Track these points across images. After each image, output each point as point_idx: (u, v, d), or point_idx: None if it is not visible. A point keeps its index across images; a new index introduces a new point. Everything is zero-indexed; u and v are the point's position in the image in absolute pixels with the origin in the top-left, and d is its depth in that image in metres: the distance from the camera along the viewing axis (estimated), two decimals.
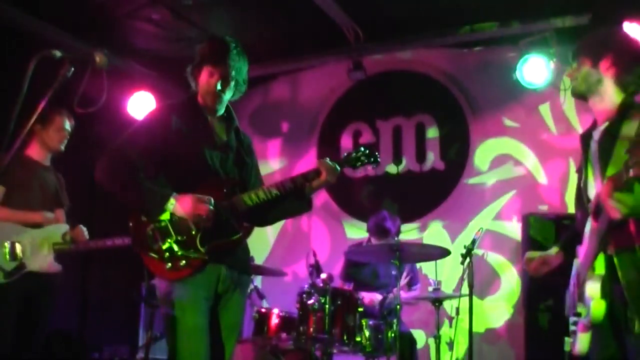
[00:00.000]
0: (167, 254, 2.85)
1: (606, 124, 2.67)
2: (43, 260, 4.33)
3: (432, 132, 6.48)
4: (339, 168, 3.00)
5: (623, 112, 2.59)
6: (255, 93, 7.22)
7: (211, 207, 2.83)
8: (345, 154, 3.10)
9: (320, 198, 6.74)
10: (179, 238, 2.85)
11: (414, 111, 6.57)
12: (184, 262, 2.85)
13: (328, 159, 3.01)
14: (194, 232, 2.85)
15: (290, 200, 3.05)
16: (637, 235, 2.43)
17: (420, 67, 6.61)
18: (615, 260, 2.52)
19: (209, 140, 3.00)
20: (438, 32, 6.10)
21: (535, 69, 5.63)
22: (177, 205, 2.83)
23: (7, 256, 4.18)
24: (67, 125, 4.51)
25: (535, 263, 2.99)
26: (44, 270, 4.33)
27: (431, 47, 6.45)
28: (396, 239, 5.25)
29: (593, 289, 2.54)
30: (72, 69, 2.43)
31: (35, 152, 4.47)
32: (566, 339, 2.79)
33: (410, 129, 6.57)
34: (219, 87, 2.96)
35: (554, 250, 2.99)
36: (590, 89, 2.72)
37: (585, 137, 2.80)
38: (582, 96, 2.77)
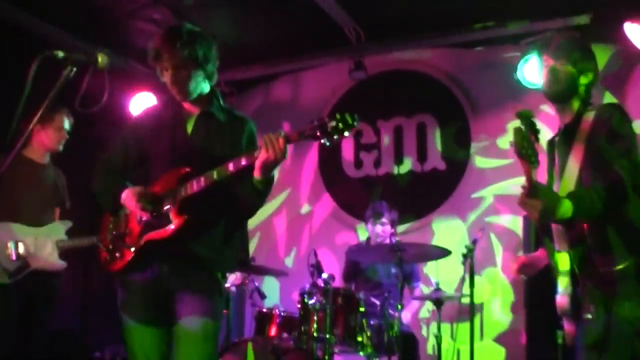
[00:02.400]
0: (110, 245, 2.92)
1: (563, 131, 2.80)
2: (47, 258, 4.34)
3: (434, 132, 6.48)
4: (281, 140, 2.58)
5: (578, 117, 2.72)
6: (256, 93, 7.23)
7: (140, 200, 2.77)
8: (310, 125, 2.58)
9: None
10: (126, 231, 2.90)
11: (415, 111, 6.57)
12: (118, 254, 2.89)
13: (281, 132, 2.62)
14: (137, 225, 2.86)
15: (243, 184, 2.75)
16: (588, 231, 2.56)
17: (422, 67, 6.61)
18: (570, 254, 2.62)
19: (175, 132, 2.93)
20: (439, 31, 6.09)
21: (536, 69, 5.62)
22: (124, 200, 2.87)
23: (11, 256, 4.20)
24: (67, 124, 4.50)
25: (518, 265, 3.02)
26: (48, 268, 4.34)
27: (432, 47, 6.44)
28: (393, 230, 5.28)
29: (561, 283, 2.65)
30: (74, 69, 2.44)
31: (33, 151, 4.46)
32: (558, 332, 2.87)
33: (411, 128, 6.57)
34: (171, 79, 2.88)
35: (540, 251, 3.03)
36: (567, 96, 2.78)
37: (551, 143, 2.90)
38: (556, 98, 2.82)
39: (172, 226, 2.77)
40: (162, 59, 2.88)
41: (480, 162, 6.24)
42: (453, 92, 6.44)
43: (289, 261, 6.80)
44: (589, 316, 2.53)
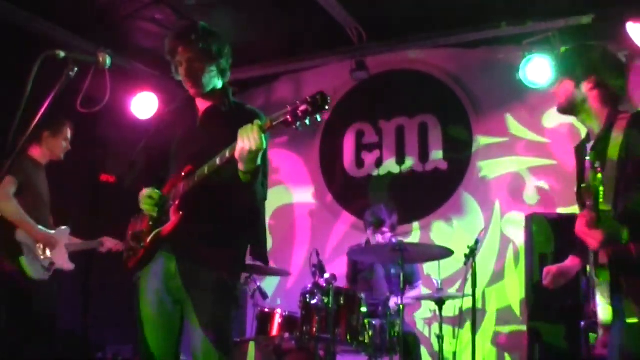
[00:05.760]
0: (129, 244, 3.01)
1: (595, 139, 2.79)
2: (64, 258, 4.56)
3: (435, 132, 6.48)
4: (255, 129, 2.52)
5: (609, 127, 2.71)
6: (258, 93, 7.23)
7: (145, 197, 2.85)
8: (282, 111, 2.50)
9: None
10: (142, 230, 2.95)
11: (417, 111, 6.57)
12: (132, 252, 2.97)
13: (257, 121, 2.56)
14: (149, 224, 2.92)
15: (233, 178, 2.69)
16: (633, 245, 2.52)
17: (424, 67, 6.61)
18: (614, 266, 2.59)
19: (187, 129, 2.99)
20: (441, 31, 6.09)
21: (538, 69, 5.63)
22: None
23: (43, 253, 4.43)
24: (69, 135, 4.66)
25: (551, 276, 3.02)
26: (64, 268, 4.57)
27: (434, 47, 6.44)
28: (393, 235, 5.27)
29: (601, 294, 2.63)
30: (76, 69, 2.44)
31: (39, 155, 4.56)
32: (591, 334, 2.89)
33: (413, 128, 6.57)
34: (185, 72, 2.93)
35: (570, 259, 3.03)
36: (576, 108, 2.83)
37: (579, 149, 2.91)
38: (568, 114, 2.88)
39: (170, 223, 2.82)
40: (177, 52, 2.93)
41: (482, 162, 6.23)
42: (455, 92, 6.43)
43: (291, 261, 6.80)
44: (634, 320, 2.52)
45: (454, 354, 5.01)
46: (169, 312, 2.86)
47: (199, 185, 2.74)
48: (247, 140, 2.52)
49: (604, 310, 2.59)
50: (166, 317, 2.86)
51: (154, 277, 2.88)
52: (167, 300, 2.86)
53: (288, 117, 2.46)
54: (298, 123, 2.46)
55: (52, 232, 4.53)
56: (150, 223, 2.90)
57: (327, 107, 2.43)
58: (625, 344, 2.58)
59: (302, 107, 2.43)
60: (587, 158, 2.51)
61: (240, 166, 2.61)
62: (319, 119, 2.46)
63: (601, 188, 2.39)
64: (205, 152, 2.77)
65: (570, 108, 2.83)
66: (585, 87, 2.76)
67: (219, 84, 3.02)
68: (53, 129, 4.52)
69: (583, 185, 2.46)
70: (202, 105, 3.03)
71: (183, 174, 2.83)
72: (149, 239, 2.89)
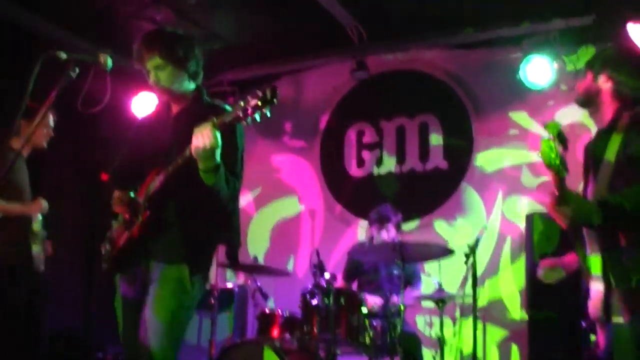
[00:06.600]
0: (107, 246, 3.01)
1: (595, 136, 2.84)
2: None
3: (436, 132, 6.48)
4: (208, 126, 2.54)
5: (612, 125, 2.75)
6: None
7: (117, 199, 2.87)
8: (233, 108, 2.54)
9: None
10: (118, 233, 2.97)
11: (418, 111, 6.57)
12: (107, 255, 2.99)
13: (213, 119, 2.57)
14: (124, 226, 2.94)
15: (198, 177, 2.69)
16: (623, 237, 2.54)
17: (424, 67, 6.61)
18: (604, 258, 2.60)
19: (162, 133, 2.99)
20: (442, 32, 6.10)
21: (538, 70, 5.63)
22: None
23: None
24: (52, 121, 4.50)
25: (542, 268, 3.02)
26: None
27: (435, 47, 6.44)
28: (397, 234, 5.26)
29: (594, 288, 2.61)
30: (77, 69, 2.44)
31: (19, 145, 4.45)
32: (592, 336, 2.88)
33: (413, 129, 6.57)
34: (153, 81, 2.97)
35: (569, 256, 3.01)
36: (589, 99, 2.88)
37: (587, 148, 2.92)
38: (583, 106, 2.94)
39: (138, 224, 2.84)
40: (144, 60, 2.94)
41: (482, 161, 6.23)
42: (456, 92, 6.43)
43: (291, 261, 6.80)
44: (620, 320, 2.50)
45: (454, 353, 5.00)
46: (135, 308, 2.88)
47: (166, 185, 2.78)
48: (201, 138, 2.54)
49: (595, 304, 2.58)
50: (130, 313, 2.89)
51: (131, 278, 2.92)
52: (139, 297, 2.87)
53: (239, 112, 2.48)
54: (249, 118, 2.48)
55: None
56: (124, 225, 2.92)
57: (275, 101, 2.45)
58: (612, 345, 2.57)
59: (252, 102, 2.45)
60: (547, 131, 2.48)
61: (199, 165, 2.63)
62: (268, 114, 2.47)
63: (558, 161, 2.39)
64: (176, 154, 2.77)
65: (585, 99, 2.88)
66: (601, 79, 2.82)
67: (190, 86, 3.01)
68: (30, 117, 4.33)
69: (541, 156, 2.44)
70: (175, 109, 3.04)
71: (154, 176, 2.86)
72: (121, 241, 2.91)
